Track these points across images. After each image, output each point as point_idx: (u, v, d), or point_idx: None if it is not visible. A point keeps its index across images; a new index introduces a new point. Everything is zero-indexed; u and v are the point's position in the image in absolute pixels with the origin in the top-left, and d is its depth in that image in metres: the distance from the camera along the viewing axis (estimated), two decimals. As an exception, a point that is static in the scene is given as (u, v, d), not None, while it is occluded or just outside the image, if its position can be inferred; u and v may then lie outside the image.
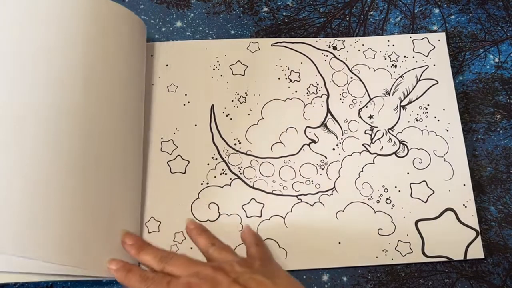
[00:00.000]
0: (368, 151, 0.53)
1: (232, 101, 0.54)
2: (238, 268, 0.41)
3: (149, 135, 0.52)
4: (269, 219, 0.50)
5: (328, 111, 0.54)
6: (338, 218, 0.50)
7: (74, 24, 0.46)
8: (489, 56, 0.58)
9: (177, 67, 0.54)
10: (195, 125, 0.53)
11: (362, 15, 0.59)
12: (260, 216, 0.50)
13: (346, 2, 0.60)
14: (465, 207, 0.51)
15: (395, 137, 0.53)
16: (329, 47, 0.57)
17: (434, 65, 0.56)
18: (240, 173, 0.51)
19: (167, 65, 0.54)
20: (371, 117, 0.54)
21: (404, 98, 0.55)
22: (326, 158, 0.52)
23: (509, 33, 0.59)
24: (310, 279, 0.49)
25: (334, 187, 0.51)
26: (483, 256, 0.49)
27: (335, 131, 0.53)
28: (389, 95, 0.55)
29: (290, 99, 0.54)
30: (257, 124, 0.53)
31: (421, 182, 0.52)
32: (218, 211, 0.50)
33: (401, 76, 0.56)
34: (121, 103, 0.48)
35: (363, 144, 0.53)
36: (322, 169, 0.52)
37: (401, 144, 0.53)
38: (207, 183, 0.51)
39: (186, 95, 0.54)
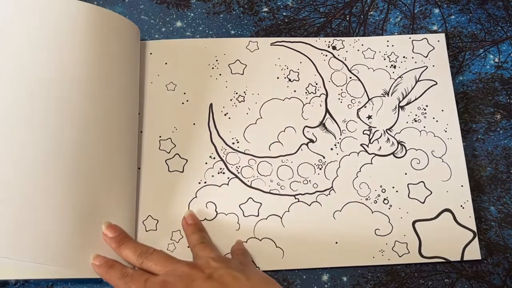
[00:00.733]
0: (366, 151, 0.53)
1: (231, 100, 0.54)
2: (213, 263, 0.42)
3: (147, 133, 0.52)
4: (266, 219, 0.50)
5: (327, 111, 0.54)
6: (335, 218, 0.50)
7: (70, 32, 0.46)
8: (489, 56, 0.57)
9: (176, 65, 0.55)
10: (194, 124, 0.53)
11: (362, 15, 0.59)
12: (257, 216, 0.50)
13: (346, 2, 0.59)
14: (463, 208, 0.51)
15: (393, 137, 0.53)
16: (329, 46, 0.57)
17: (433, 66, 0.56)
18: (238, 172, 0.51)
19: (166, 63, 0.55)
20: (369, 117, 0.54)
21: (403, 98, 0.55)
22: (324, 158, 0.52)
23: (509, 33, 0.58)
24: (310, 279, 0.49)
25: (332, 187, 0.51)
26: (480, 258, 0.49)
27: (333, 131, 0.53)
28: (388, 96, 0.55)
29: (289, 99, 0.54)
30: (256, 123, 0.53)
31: (418, 183, 0.52)
32: (216, 210, 0.50)
33: (400, 77, 0.55)
34: (115, 105, 0.48)
35: (361, 144, 0.53)
36: (320, 168, 0.52)
37: (399, 145, 0.53)
38: (205, 182, 0.51)
39: (184, 93, 0.54)
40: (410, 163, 0.52)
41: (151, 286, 0.41)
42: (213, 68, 0.55)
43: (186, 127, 0.53)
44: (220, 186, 0.51)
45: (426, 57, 0.56)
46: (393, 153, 0.53)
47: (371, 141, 0.53)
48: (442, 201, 0.51)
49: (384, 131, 0.54)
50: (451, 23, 0.59)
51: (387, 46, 0.57)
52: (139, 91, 0.52)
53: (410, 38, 0.57)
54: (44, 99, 0.44)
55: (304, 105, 0.54)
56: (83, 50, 0.46)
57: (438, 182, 0.52)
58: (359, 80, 0.55)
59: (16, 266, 0.42)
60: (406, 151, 0.53)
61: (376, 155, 0.53)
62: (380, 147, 0.53)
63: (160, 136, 0.52)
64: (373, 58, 0.56)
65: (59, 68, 0.45)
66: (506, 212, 0.52)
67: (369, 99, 0.55)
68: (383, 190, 0.51)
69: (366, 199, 0.51)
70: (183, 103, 0.53)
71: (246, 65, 0.55)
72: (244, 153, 0.52)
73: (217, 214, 0.50)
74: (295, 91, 0.55)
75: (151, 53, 0.55)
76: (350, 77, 0.55)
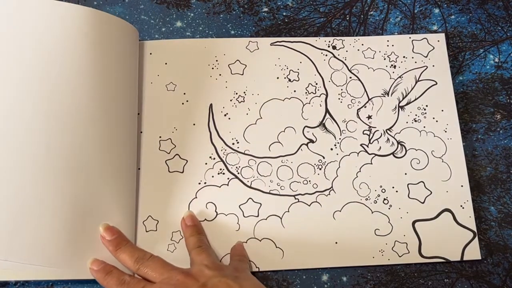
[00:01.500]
0: (366, 151, 0.53)
1: (231, 100, 0.54)
2: (207, 272, 0.43)
3: (147, 133, 0.52)
4: (266, 219, 0.50)
5: (327, 111, 0.54)
6: (335, 218, 0.50)
7: (69, 35, 0.46)
8: (489, 56, 0.57)
9: (175, 65, 0.55)
10: (194, 124, 0.53)
11: (362, 15, 0.59)
12: (257, 216, 0.50)
13: (346, 2, 0.59)
14: (463, 208, 0.51)
15: (393, 137, 0.53)
16: (329, 46, 0.56)
17: (433, 66, 0.56)
18: (238, 173, 0.52)
19: (165, 64, 0.55)
20: (369, 117, 0.54)
21: (403, 98, 0.55)
22: (324, 158, 0.52)
23: (509, 33, 0.58)
24: (310, 279, 0.49)
25: (332, 187, 0.51)
26: (480, 258, 0.49)
27: (333, 131, 0.53)
28: (388, 96, 0.55)
29: (289, 99, 0.54)
30: (256, 123, 0.53)
31: (418, 183, 0.52)
32: (216, 211, 0.50)
33: (400, 77, 0.55)
34: (113, 106, 0.48)
35: (361, 144, 0.53)
36: (320, 169, 0.52)
37: (399, 145, 0.53)
38: (205, 183, 0.51)
39: (184, 93, 0.54)
40: (410, 163, 0.52)
41: None
42: (213, 68, 0.55)
43: (186, 128, 0.53)
44: (220, 187, 0.51)
45: (426, 57, 0.56)
46: (393, 153, 0.53)
47: (371, 141, 0.53)
48: (442, 201, 0.51)
49: (384, 131, 0.54)
50: (451, 23, 0.59)
51: (387, 46, 0.57)
52: (138, 92, 0.52)
53: (410, 38, 0.57)
54: (42, 102, 0.44)
55: (304, 105, 0.54)
56: (82, 53, 0.46)
57: (438, 182, 0.52)
58: (359, 80, 0.55)
59: (15, 267, 0.42)
60: (406, 151, 0.53)
61: (376, 155, 0.53)
62: (380, 147, 0.53)
63: (160, 137, 0.52)
64: (373, 58, 0.56)
65: (59, 70, 0.45)
66: (506, 212, 0.52)
67: (369, 99, 0.55)
68: (383, 190, 0.51)
69: (366, 199, 0.51)
70: (183, 104, 0.53)
71: (246, 65, 0.55)
72: (244, 153, 0.52)
73: (217, 214, 0.50)
74: (295, 91, 0.55)
75: (151, 53, 0.55)
76: (350, 77, 0.55)
